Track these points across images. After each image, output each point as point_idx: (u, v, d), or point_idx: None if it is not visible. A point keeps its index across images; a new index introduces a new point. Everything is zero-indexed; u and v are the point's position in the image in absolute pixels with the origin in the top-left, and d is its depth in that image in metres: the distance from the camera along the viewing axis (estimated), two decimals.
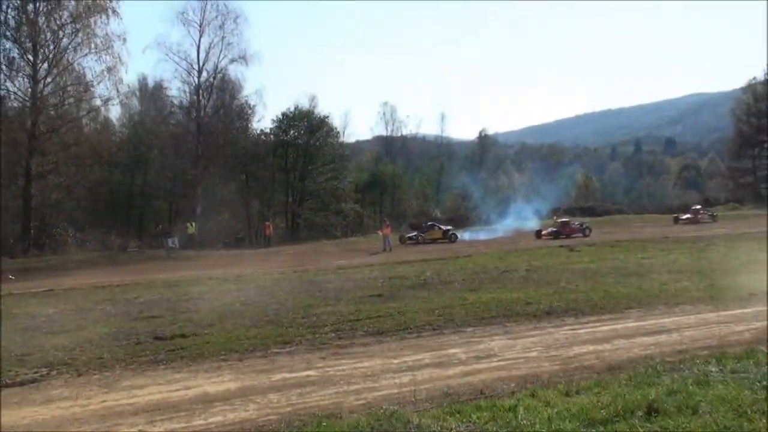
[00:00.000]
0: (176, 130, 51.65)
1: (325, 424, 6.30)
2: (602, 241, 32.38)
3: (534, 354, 9.29)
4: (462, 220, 54.62)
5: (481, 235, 44.43)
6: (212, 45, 49.37)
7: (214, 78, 50.62)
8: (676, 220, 48.15)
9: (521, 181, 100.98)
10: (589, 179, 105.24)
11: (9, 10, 39.02)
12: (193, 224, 45.64)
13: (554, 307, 13.06)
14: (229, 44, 49.66)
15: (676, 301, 13.56)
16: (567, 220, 42.89)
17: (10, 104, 41.01)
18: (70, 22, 40.48)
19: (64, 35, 40.56)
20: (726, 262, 21.39)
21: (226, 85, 52.07)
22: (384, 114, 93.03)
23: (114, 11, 41.53)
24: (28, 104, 39.87)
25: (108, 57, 41.23)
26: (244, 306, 15.10)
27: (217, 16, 49.19)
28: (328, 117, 58.86)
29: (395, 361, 9.04)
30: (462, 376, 8.11)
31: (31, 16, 39.12)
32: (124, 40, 41.91)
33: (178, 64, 49.03)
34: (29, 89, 40.02)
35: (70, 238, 39.52)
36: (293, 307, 14.50)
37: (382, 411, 6.47)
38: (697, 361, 8.11)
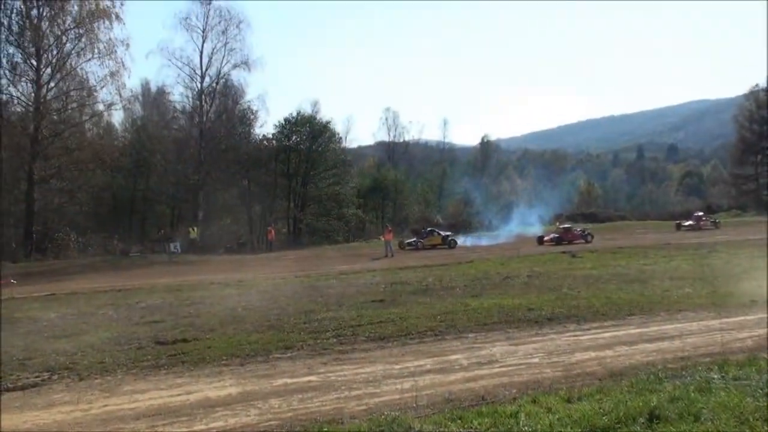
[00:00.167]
0: (179, 135, 51.69)
1: (326, 429, 6.30)
2: (604, 248, 32.34)
3: (536, 360, 9.29)
4: (464, 226, 54.54)
5: (483, 240, 44.42)
6: (215, 50, 49.51)
7: (217, 83, 50.77)
8: (679, 227, 48.06)
9: (523, 187, 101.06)
10: (592, 185, 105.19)
11: (12, 15, 39.17)
12: (195, 229, 45.68)
13: (556, 314, 13.05)
14: (231, 50, 49.80)
15: (679, 308, 13.55)
16: (569, 226, 42.83)
17: (13, 109, 41.16)
18: (74, 27, 40.64)
19: (67, 40, 40.73)
20: (728, 268, 21.35)
21: (228, 91, 52.15)
22: (386, 119, 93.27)
23: (117, 16, 41.74)
24: (31, 109, 39.98)
25: (111, 62, 41.41)
26: (246, 311, 15.11)
27: (220, 22, 49.35)
28: (330, 122, 58.97)
29: (397, 367, 9.03)
30: (463, 382, 8.11)
31: (35, 21, 39.28)
32: (127, 45, 42.10)
33: (180, 69, 49.18)
34: (32, 94, 40.13)
35: (72, 242, 39.55)
36: (295, 312, 14.50)
37: (383, 417, 6.48)
38: (699, 368, 8.11)
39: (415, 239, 40.75)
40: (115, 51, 41.39)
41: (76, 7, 40.72)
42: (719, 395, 6.75)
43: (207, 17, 48.98)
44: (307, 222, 54.09)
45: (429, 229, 43.84)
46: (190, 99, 51.28)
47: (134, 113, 58.66)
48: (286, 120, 55.78)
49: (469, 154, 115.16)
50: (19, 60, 39.75)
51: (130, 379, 8.90)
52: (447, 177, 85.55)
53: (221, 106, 52.06)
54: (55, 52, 40.48)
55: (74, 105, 43.06)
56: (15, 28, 39.22)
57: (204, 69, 49.39)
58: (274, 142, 55.90)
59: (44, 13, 39.87)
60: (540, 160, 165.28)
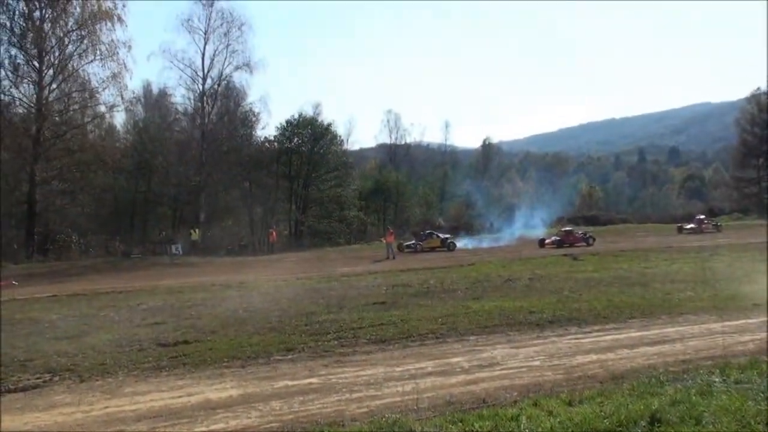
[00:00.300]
0: (180, 136, 51.72)
1: (327, 431, 6.29)
2: (606, 251, 32.33)
3: (537, 363, 9.28)
4: (465, 228, 54.53)
5: (485, 243, 44.41)
6: (217, 52, 49.57)
7: (219, 85, 50.83)
8: (680, 230, 48.02)
9: (525, 190, 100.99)
10: (593, 188, 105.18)
11: (15, 17, 39.23)
12: (197, 231, 45.72)
13: (557, 316, 13.04)
14: (233, 52, 49.85)
15: (680, 311, 13.54)
16: (570, 229, 42.84)
17: (15, 110, 41.21)
18: (76, 29, 40.72)
19: (69, 42, 40.82)
20: (730, 272, 21.34)
21: (230, 93, 52.19)
22: (388, 122, 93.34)
23: (119, 18, 41.79)
24: (33, 110, 40.06)
25: (113, 64, 41.49)
26: (247, 313, 15.11)
27: (221, 24, 49.40)
28: (331, 125, 59.02)
29: (398, 369, 9.03)
30: (464, 385, 8.11)
31: (37, 22, 39.34)
32: (129, 47, 42.17)
33: (182, 71, 49.23)
34: (34, 95, 40.24)
35: (73, 243, 39.64)
36: (296, 314, 14.49)
37: (384, 419, 6.48)
38: (701, 372, 8.11)
39: (414, 242, 40.74)
40: (117, 53, 41.53)
41: (78, 9, 40.87)
42: (721, 399, 6.74)
43: (209, 19, 49.11)
44: (309, 224, 54.13)
45: (428, 231, 43.82)
46: (192, 101, 51.42)
47: (136, 115, 58.74)
48: (287, 122, 55.90)
49: (470, 156, 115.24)
50: (22, 61, 39.93)
51: (131, 381, 8.90)
52: (448, 179, 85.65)
53: (223, 108, 52.10)
54: (57, 54, 40.58)
55: (76, 107, 43.16)
56: (17, 29, 39.33)
57: (206, 71, 49.51)
58: (275, 144, 55.97)
59: (46, 15, 39.96)
60: (541, 163, 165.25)
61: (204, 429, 6.70)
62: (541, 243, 39.31)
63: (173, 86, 53.03)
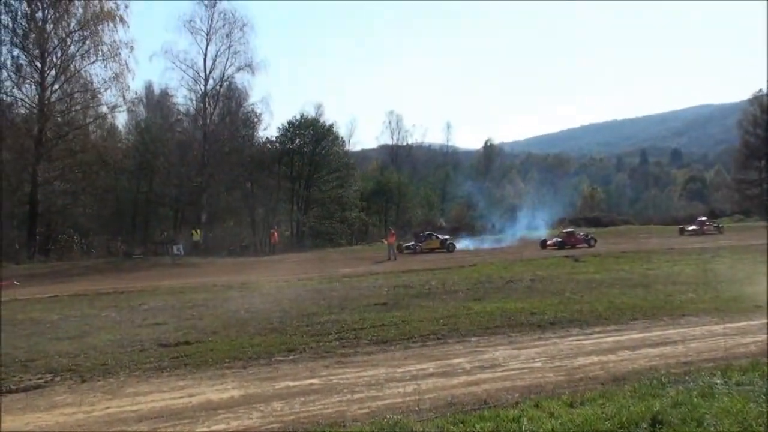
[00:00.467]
0: (182, 137, 51.71)
1: None
2: (607, 252, 32.32)
3: (538, 364, 9.28)
4: (467, 230, 54.52)
5: (486, 244, 44.39)
6: (219, 53, 49.55)
7: (221, 86, 50.80)
8: (682, 232, 47.99)
9: (526, 191, 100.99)
10: (595, 190, 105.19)
11: (18, 18, 39.27)
12: (199, 231, 45.75)
13: (559, 318, 13.04)
14: (235, 53, 49.84)
15: (682, 313, 13.54)
16: (572, 230, 42.82)
17: (17, 111, 41.25)
18: (78, 30, 40.76)
19: (71, 42, 40.85)
20: (732, 273, 21.33)
21: (232, 93, 52.18)
22: (390, 123, 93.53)
23: (121, 19, 41.82)
24: (35, 111, 40.10)
25: (115, 64, 41.52)
26: (249, 313, 15.11)
27: (224, 25, 49.37)
28: (333, 125, 59.04)
29: (399, 370, 9.03)
30: (466, 386, 8.10)
31: (39, 23, 39.37)
32: (131, 47, 42.20)
33: (184, 71, 49.22)
34: (36, 96, 40.28)
35: (75, 244, 39.68)
36: (297, 315, 14.50)
37: (385, 420, 6.48)
38: (702, 374, 8.10)
39: (413, 243, 40.72)
40: (119, 53, 41.55)
41: (80, 10, 40.88)
42: (722, 400, 6.74)
43: (211, 20, 49.09)
44: (310, 225, 54.13)
45: (427, 232, 43.78)
46: (194, 102, 51.41)
47: (138, 115, 58.82)
48: (289, 123, 55.93)
49: (472, 157, 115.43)
50: (24, 62, 39.94)
51: (132, 381, 8.90)
52: (450, 180, 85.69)
53: (225, 108, 52.10)
54: (59, 55, 40.61)
55: (78, 107, 43.19)
56: (20, 30, 39.34)
57: (208, 72, 49.50)
58: (277, 144, 55.98)
59: (49, 16, 40.02)
60: (543, 164, 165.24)
61: (205, 429, 6.70)
62: (543, 244, 39.30)
63: (175, 87, 53.11)
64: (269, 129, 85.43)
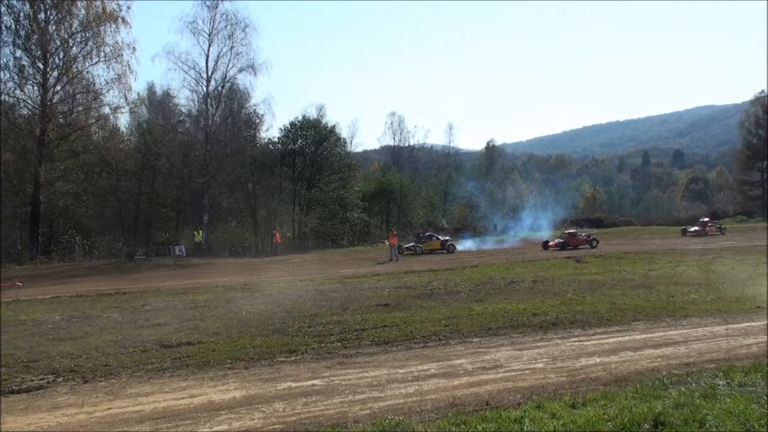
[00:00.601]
0: (184, 138, 51.70)
1: None
2: (609, 253, 32.30)
3: (540, 365, 9.27)
4: (469, 230, 54.53)
5: (488, 245, 44.40)
6: (221, 54, 49.48)
7: (223, 87, 50.74)
8: (684, 233, 47.98)
9: (528, 192, 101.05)
10: (597, 190, 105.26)
11: (20, 19, 39.29)
12: (201, 232, 45.80)
13: (561, 319, 13.03)
14: (237, 54, 49.76)
15: (684, 314, 13.53)
16: (574, 231, 42.79)
17: (19, 112, 41.28)
18: (80, 31, 40.79)
19: (73, 44, 40.88)
20: (734, 274, 21.30)
21: (234, 94, 52.10)
22: (392, 124, 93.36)
23: (124, 20, 41.86)
24: (37, 112, 40.11)
25: (117, 65, 41.56)
26: (250, 314, 15.11)
27: (226, 26, 49.30)
28: (335, 127, 58.98)
29: (401, 371, 9.02)
30: (468, 387, 8.10)
31: (42, 24, 39.40)
32: (134, 48, 42.25)
33: (186, 72, 49.16)
34: (39, 97, 40.32)
35: (77, 245, 39.65)
36: (299, 316, 14.50)
37: (387, 421, 6.48)
38: (705, 375, 8.10)
39: (413, 244, 40.69)
40: (122, 54, 41.59)
41: (82, 11, 40.92)
42: (724, 402, 6.73)
43: (213, 21, 49.02)
44: (312, 225, 54.07)
45: (428, 233, 43.75)
46: (196, 102, 51.37)
47: (140, 116, 59.10)
48: (291, 124, 55.87)
49: (474, 158, 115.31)
50: (26, 63, 39.92)
51: (134, 382, 8.90)
52: (452, 181, 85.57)
53: (227, 109, 52.06)
54: (61, 56, 40.65)
55: (80, 108, 43.24)
56: (22, 31, 39.37)
57: (210, 73, 49.45)
58: (279, 145, 55.94)
59: (51, 17, 40.02)
60: (545, 165, 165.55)
61: (207, 430, 6.70)
62: (545, 245, 39.31)
63: (177, 88, 53.33)
64: (271, 130, 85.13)
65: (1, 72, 39.29)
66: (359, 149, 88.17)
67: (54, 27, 40.05)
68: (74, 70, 41.20)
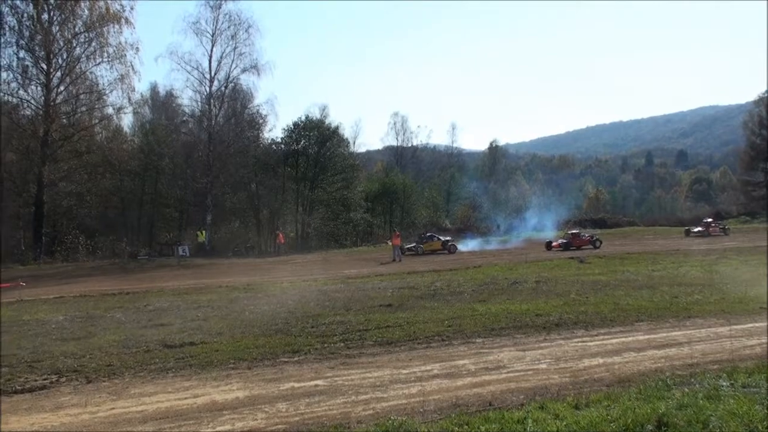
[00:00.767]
0: (187, 138, 51.75)
1: None
2: (613, 253, 32.26)
3: (543, 366, 9.26)
4: (472, 231, 54.52)
5: (491, 245, 44.38)
6: (224, 55, 49.48)
7: (226, 87, 50.76)
8: (688, 233, 47.93)
9: (532, 192, 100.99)
10: (600, 191, 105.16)
11: (24, 19, 39.37)
12: (204, 232, 45.85)
13: (564, 319, 13.02)
14: (241, 54, 49.75)
15: (687, 315, 13.51)
16: (577, 231, 42.77)
17: (23, 112, 41.36)
18: (84, 31, 40.89)
19: (77, 44, 40.99)
20: (737, 275, 21.27)
21: (237, 95, 52.11)
22: (395, 124, 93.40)
23: (127, 20, 41.94)
24: (41, 112, 40.18)
25: (120, 66, 41.66)
26: (254, 314, 15.12)
27: (229, 26, 49.30)
28: (339, 128, 59.05)
29: (404, 372, 9.02)
30: (471, 388, 8.09)
31: (45, 25, 39.47)
32: (137, 48, 42.31)
33: (190, 73, 49.17)
34: (42, 97, 40.38)
35: (81, 245, 39.74)
36: (302, 316, 14.50)
37: (390, 421, 6.47)
38: (708, 376, 8.08)
39: (414, 244, 40.65)
40: (125, 55, 41.69)
41: (86, 11, 40.99)
42: (728, 403, 6.72)
43: (216, 21, 49.02)
44: (315, 226, 54.11)
45: (429, 234, 43.69)
46: (199, 103, 51.38)
47: (143, 117, 59.08)
48: (294, 124, 55.97)
49: (477, 158, 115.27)
50: (30, 64, 40.01)
51: (137, 382, 8.91)
52: (455, 182, 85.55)
53: (230, 110, 52.05)
54: (65, 56, 40.77)
55: (84, 108, 43.33)
56: (26, 32, 39.46)
57: (213, 73, 49.46)
58: (282, 146, 56.02)
59: (55, 17, 40.12)
60: (548, 166, 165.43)
61: (210, 430, 6.70)
62: (548, 245, 39.29)
63: (180, 88, 53.29)
64: (274, 130, 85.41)
65: (5, 72, 39.45)
66: (362, 149, 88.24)
67: (57, 27, 40.16)
68: (77, 70, 41.30)
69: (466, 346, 10.79)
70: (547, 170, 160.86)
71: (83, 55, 41.19)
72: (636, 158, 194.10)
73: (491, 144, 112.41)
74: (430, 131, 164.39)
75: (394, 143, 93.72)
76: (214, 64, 49.29)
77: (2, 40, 38.76)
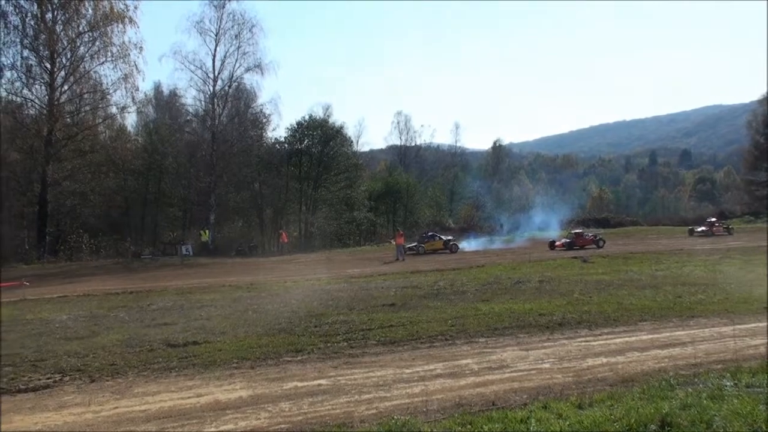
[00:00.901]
0: (191, 138, 51.84)
1: None
2: (616, 253, 32.20)
3: (547, 365, 9.25)
4: (475, 230, 54.49)
5: (495, 244, 44.34)
6: (228, 54, 49.50)
7: (230, 87, 50.77)
8: (691, 233, 47.79)
9: (535, 192, 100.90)
10: (604, 190, 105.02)
11: (28, 19, 39.43)
12: (207, 232, 45.90)
13: (567, 319, 13.00)
14: (244, 53, 49.75)
15: (691, 314, 13.48)
16: (581, 231, 42.67)
17: (27, 111, 41.44)
18: (88, 31, 40.90)
19: (81, 44, 41.01)
20: (741, 275, 21.22)
21: (241, 94, 52.16)
22: (398, 123, 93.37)
23: (131, 20, 41.93)
24: (45, 111, 40.25)
25: (124, 65, 41.64)
26: (257, 314, 15.12)
27: (233, 26, 49.33)
28: (343, 128, 59.10)
29: (407, 371, 9.02)
30: (474, 387, 8.09)
31: (49, 24, 39.51)
32: (141, 48, 42.30)
33: (193, 72, 49.21)
34: (46, 97, 40.44)
35: (84, 244, 39.83)
36: (305, 315, 14.50)
37: (393, 421, 6.47)
38: (712, 375, 8.06)
39: (416, 244, 40.61)
40: (129, 54, 41.67)
41: (90, 11, 41.00)
42: (732, 403, 6.70)
43: (220, 21, 49.05)
44: (319, 225, 54.16)
45: (430, 233, 43.59)
46: (203, 102, 51.42)
47: (147, 116, 59.17)
48: (298, 123, 56.03)
49: (480, 158, 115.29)
50: (34, 63, 40.06)
51: (140, 381, 8.92)
52: (458, 181, 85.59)
53: (233, 109, 52.09)
54: (69, 56, 40.78)
55: (87, 108, 43.37)
56: (30, 31, 39.51)
57: (217, 72, 49.48)
58: (286, 145, 56.09)
59: (58, 17, 40.15)
60: (552, 165, 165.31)
61: (213, 430, 6.71)
62: (551, 245, 39.23)
63: (184, 87, 53.30)
64: (278, 130, 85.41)
65: (9, 72, 39.52)
66: (366, 149, 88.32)
67: (61, 27, 40.19)
68: (81, 69, 41.35)
69: (469, 346, 10.79)
70: (551, 170, 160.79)
71: (87, 55, 41.25)
72: (639, 158, 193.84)
73: (495, 143, 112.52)
74: (434, 130, 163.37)
75: (397, 142, 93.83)
76: (217, 64, 49.37)
77: (6, 39, 38.87)
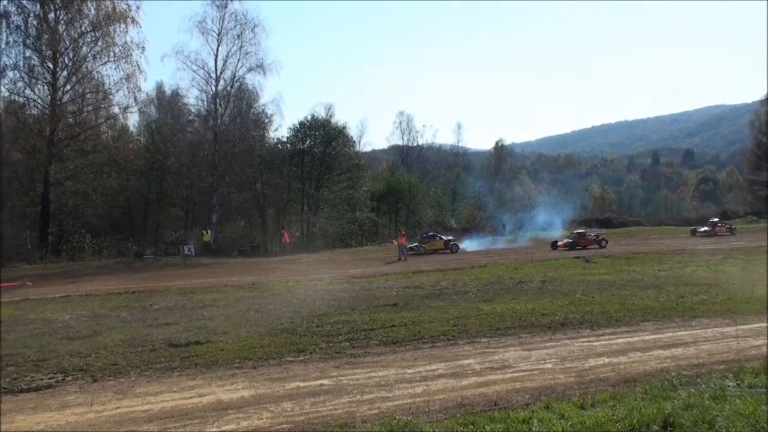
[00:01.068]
0: (193, 138, 51.82)
1: None
2: (618, 253, 32.17)
3: (549, 366, 9.24)
4: (477, 230, 54.45)
5: (497, 244, 44.32)
6: (230, 54, 49.46)
7: (232, 87, 50.74)
8: (694, 233, 47.70)
9: (537, 192, 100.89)
10: (606, 190, 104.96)
11: (30, 19, 39.48)
12: (209, 231, 45.89)
13: (569, 319, 13.00)
14: (247, 53, 49.71)
15: (693, 314, 13.47)
16: (583, 231, 42.61)
17: (29, 111, 41.47)
18: (90, 31, 40.94)
19: (83, 43, 41.06)
20: (744, 275, 21.20)
21: (243, 94, 52.10)
22: (400, 123, 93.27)
23: (133, 20, 41.96)
24: (47, 111, 40.29)
25: (126, 65, 41.68)
26: (259, 314, 15.13)
27: (235, 26, 49.28)
28: (345, 128, 59.08)
29: (409, 371, 9.02)
30: (476, 387, 8.08)
31: (52, 24, 39.55)
32: (143, 48, 42.35)
33: (195, 72, 49.16)
34: (48, 97, 40.48)
35: (87, 244, 39.85)
36: (308, 315, 14.51)
37: (395, 421, 6.47)
38: (714, 376, 8.06)
39: (417, 244, 40.56)
40: (131, 54, 41.71)
41: (92, 11, 41.05)
42: (734, 403, 6.70)
43: (222, 21, 49.01)
44: (321, 225, 54.14)
45: (431, 233, 43.52)
46: (205, 102, 51.36)
47: (149, 116, 59.18)
48: (300, 123, 56.02)
49: (482, 158, 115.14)
50: (36, 63, 40.10)
51: (143, 381, 8.93)
52: (460, 181, 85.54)
53: (236, 109, 52.05)
54: (71, 56, 40.83)
55: (90, 108, 43.41)
56: (32, 31, 39.55)
57: (219, 72, 49.45)
58: (288, 145, 56.07)
59: (61, 17, 40.19)
60: (554, 165, 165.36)
61: (215, 430, 6.71)
62: (554, 245, 39.19)
63: (186, 87, 53.12)
64: (280, 130, 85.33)
65: (12, 72, 39.56)
66: (368, 149, 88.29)
67: (64, 27, 40.22)
68: (84, 69, 41.39)
69: (472, 346, 10.79)
70: (553, 170, 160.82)
71: (89, 55, 41.29)
72: (642, 158, 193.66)
73: (497, 143, 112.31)
74: (436, 130, 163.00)
75: (399, 142, 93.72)
76: (219, 64, 49.32)
77: (9, 39, 38.91)
